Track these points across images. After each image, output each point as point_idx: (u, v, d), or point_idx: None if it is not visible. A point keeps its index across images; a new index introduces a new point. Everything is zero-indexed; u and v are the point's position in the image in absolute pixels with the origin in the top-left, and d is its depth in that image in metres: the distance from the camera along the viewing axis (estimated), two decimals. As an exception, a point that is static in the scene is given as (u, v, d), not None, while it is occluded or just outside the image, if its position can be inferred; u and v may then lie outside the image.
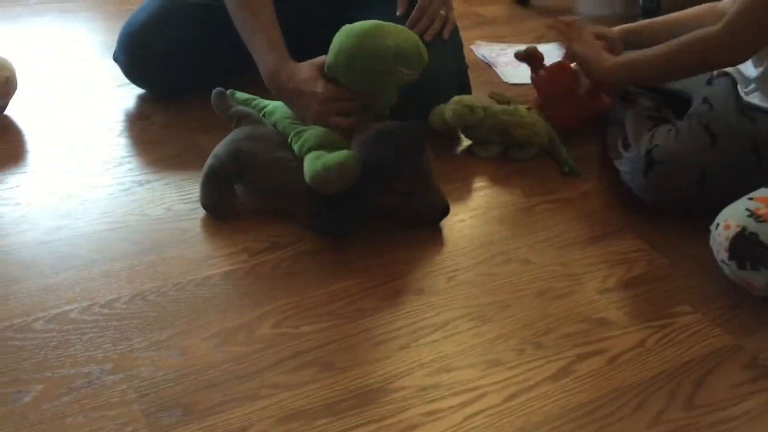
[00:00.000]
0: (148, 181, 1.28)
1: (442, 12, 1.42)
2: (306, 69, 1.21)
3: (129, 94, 1.53)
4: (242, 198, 1.25)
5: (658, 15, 1.98)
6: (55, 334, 0.96)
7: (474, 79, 1.56)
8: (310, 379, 0.92)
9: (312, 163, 1.11)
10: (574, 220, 1.27)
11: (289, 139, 1.20)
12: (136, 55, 1.46)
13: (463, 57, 1.49)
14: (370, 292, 1.07)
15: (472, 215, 1.27)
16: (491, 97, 1.53)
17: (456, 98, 1.39)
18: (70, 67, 1.65)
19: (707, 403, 0.93)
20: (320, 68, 1.20)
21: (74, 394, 0.87)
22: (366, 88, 1.19)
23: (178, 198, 1.24)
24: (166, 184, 1.27)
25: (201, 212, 1.21)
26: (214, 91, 1.26)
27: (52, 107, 1.48)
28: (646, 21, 1.53)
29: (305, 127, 1.19)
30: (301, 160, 1.15)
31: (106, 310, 1.00)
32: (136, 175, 1.29)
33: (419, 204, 1.20)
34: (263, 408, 0.88)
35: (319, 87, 1.18)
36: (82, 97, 1.52)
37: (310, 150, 1.15)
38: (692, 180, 1.20)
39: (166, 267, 1.09)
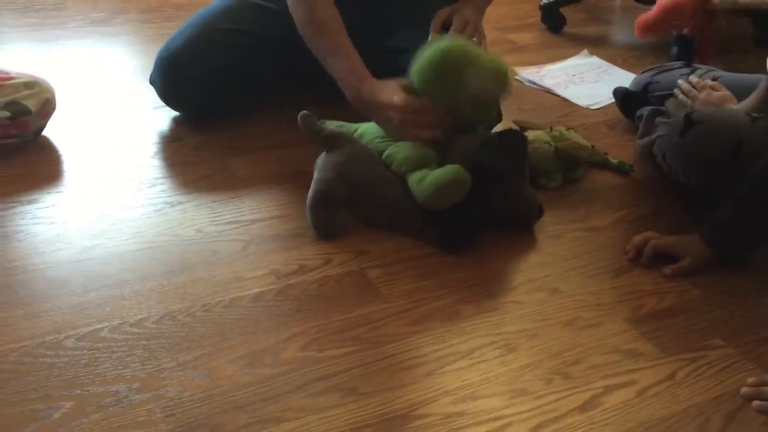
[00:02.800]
0: (179, 203, 1.30)
1: (474, 39, 1.43)
2: (386, 84, 1.28)
3: (163, 116, 1.56)
4: (271, 219, 1.26)
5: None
6: (85, 351, 0.97)
7: (521, 104, 1.58)
8: (334, 404, 0.92)
9: (420, 184, 1.19)
10: (604, 248, 1.26)
11: (384, 157, 1.26)
12: (171, 80, 1.49)
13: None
14: (396, 317, 1.07)
15: (500, 242, 1.26)
16: (517, 124, 1.53)
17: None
18: (107, 89, 1.68)
19: (739, 439, 0.91)
20: (399, 83, 1.27)
21: (102, 412, 0.88)
22: (442, 99, 1.24)
23: (209, 219, 1.25)
24: (197, 206, 1.29)
25: (231, 234, 1.22)
26: (301, 115, 1.23)
27: (89, 128, 1.51)
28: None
29: (397, 147, 1.25)
30: (402, 177, 1.22)
31: (135, 330, 1.01)
32: (168, 196, 1.31)
33: (522, 204, 1.26)
34: (288, 431, 0.88)
35: (398, 98, 1.24)
36: (118, 119, 1.56)
37: (409, 171, 1.22)
38: (728, 146, 1.19)
39: (196, 288, 1.10)
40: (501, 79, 1.25)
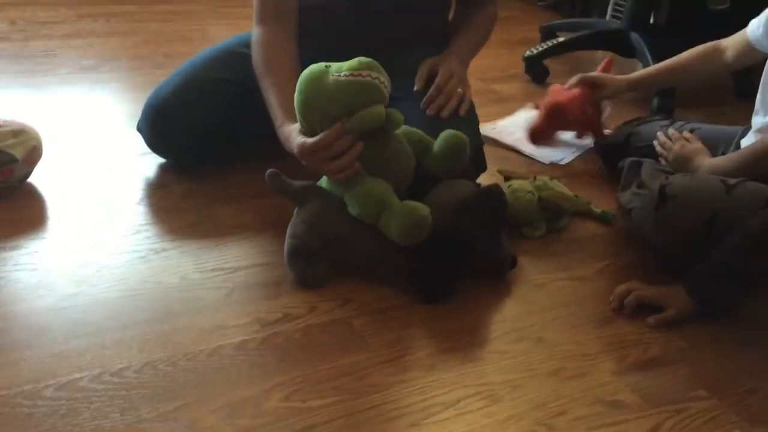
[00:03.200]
0: (164, 249, 1.29)
1: (459, 90, 1.45)
2: (287, 130, 1.27)
3: (150, 163, 1.57)
4: (255, 266, 1.26)
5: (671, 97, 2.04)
6: (64, 402, 0.95)
7: (504, 155, 1.59)
8: (317, 456, 0.91)
9: (395, 221, 1.17)
10: (588, 298, 1.27)
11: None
12: (158, 127, 1.50)
13: (478, 133, 1.51)
14: (380, 367, 1.06)
15: (484, 291, 1.26)
16: (501, 173, 1.55)
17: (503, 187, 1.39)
18: (94, 136, 1.69)
19: (725, 493, 0.90)
20: (296, 127, 1.26)
21: (79, 464, 0.87)
22: (319, 119, 1.20)
23: (193, 267, 1.25)
24: (182, 253, 1.29)
25: (215, 281, 1.22)
26: (268, 174, 1.25)
27: (75, 175, 1.51)
28: (653, 70, 1.60)
29: (348, 200, 1.22)
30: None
31: (116, 379, 1.00)
32: (153, 243, 1.31)
33: (496, 260, 1.26)
34: (269, 485, 0.86)
35: (297, 142, 1.23)
36: (105, 166, 1.56)
37: (371, 220, 1.20)
38: (702, 218, 1.20)
39: (179, 336, 1.09)
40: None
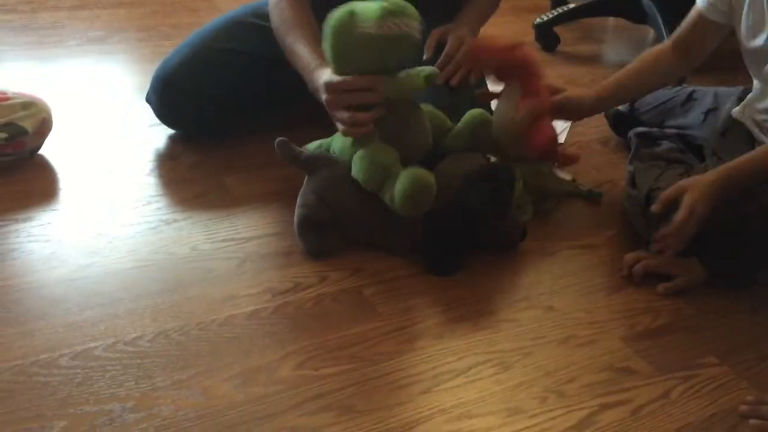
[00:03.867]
0: (175, 220, 1.30)
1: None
2: (320, 73, 1.24)
3: (160, 134, 1.57)
4: (266, 236, 1.26)
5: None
6: (79, 370, 0.97)
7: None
8: (330, 422, 0.92)
9: (398, 185, 1.13)
10: (598, 266, 1.27)
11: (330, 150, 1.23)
12: (167, 98, 1.49)
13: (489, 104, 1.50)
14: (391, 335, 1.07)
15: (494, 260, 1.26)
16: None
17: None
18: (104, 107, 1.69)
19: (734, 458, 0.91)
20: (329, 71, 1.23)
21: (96, 431, 0.88)
22: (352, 64, 1.17)
23: (204, 237, 1.26)
24: (193, 224, 1.29)
25: (226, 252, 1.22)
26: (277, 142, 1.23)
27: (85, 147, 1.51)
28: (613, 80, 1.43)
29: (359, 153, 1.19)
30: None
31: (130, 348, 1.01)
32: (164, 214, 1.31)
33: (506, 234, 1.26)
34: (282, 451, 0.88)
35: (325, 77, 1.20)
36: (114, 137, 1.56)
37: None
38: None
39: (191, 306, 1.10)
40: (390, 14, 1.13)
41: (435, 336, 1.08)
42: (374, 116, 1.18)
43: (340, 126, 1.21)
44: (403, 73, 1.19)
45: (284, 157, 1.25)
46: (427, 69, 1.20)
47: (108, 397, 0.93)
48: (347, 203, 1.21)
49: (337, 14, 1.16)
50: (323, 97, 1.21)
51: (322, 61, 1.25)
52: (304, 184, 1.25)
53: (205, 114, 1.50)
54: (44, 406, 0.91)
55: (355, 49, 1.15)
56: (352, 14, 1.14)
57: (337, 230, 1.23)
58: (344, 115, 1.19)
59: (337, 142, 1.25)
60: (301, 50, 1.31)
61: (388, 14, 1.13)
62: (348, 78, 1.18)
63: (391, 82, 1.17)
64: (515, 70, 1.32)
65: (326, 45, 1.19)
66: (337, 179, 1.22)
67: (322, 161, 1.25)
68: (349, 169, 1.20)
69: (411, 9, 1.16)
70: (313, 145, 1.31)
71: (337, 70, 1.20)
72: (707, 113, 1.45)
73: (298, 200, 1.24)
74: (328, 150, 1.28)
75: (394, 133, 1.20)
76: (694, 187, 1.18)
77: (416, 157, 1.23)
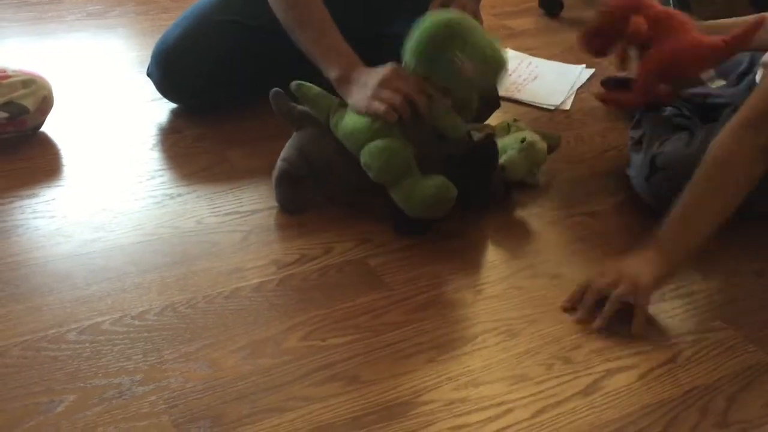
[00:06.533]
0: (179, 194, 1.30)
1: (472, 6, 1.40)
2: (379, 67, 1.22)
3: (162, 108, 1.56)
4: (271, 209, 1.26)
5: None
6: (87, 345, 0.97)
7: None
8: (337, 392, 0.92)
9: (407, 201, 1.15)
10: (604, 233, 1.26)
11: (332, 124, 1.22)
12: (168, 72, 1.48)
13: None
14: (397, 305, 1.07)
15: (500, 228, 1.26)
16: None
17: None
18: (105, 83, 1.68)
19: (740, 419, 0.92)
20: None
21: (105, 404, 0.89)
22: (427, 70, 1.16)
23: (209, 211, 1.25)
24: (198, 198, 1.29)
25: (231, 225, 1.22)
26: (272, 92, 1.23)
27: (87, 122, 1.51)
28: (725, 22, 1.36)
29: (375, 142, 1.17)
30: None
31: (137, 322, 1.01)
32: (168, 189, 1.31)
33: (485, 200, 1.27)
34: (291, 420, 0.88)
35: (389, 67, 1.19)
36: (117, 112, 1.55)
37: (357, 147, 1.17)
38: None
39: (197, 279, 1.10)
40: (493, 61, 1.15)
41: (441, 305, 1.08)
42: (423, 110, 1.16)
43: (376, 105, 1.17)
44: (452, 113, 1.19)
45: (277, 108, 1.25)
46: (477, 133, 1.23)
47: (116, 371, 0.94)
48: (329, 162, 1.21)
49: (439, 26, 1.14)
50: (378, 77, 1.18)
51: (358, 60, 1.25)
52: (290, 139, 1.25)
53: (207, 87, 1.49)
54: (53, 380, 0.92)
55: (439, 65, 1.15)
56: (451, 35, 1.13)
57: (315, 187, 1.24)
58: (393, 96, 1.16)
59: (350, 123, 1.20)
60: (328, 43, 1.28)
61: (490, 65, 1.14)
62: (417, 80, 1.17)
63: (443, 111, 1.18)
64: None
65: (416, 44, 1.16)
66: (321, 136, 1.22)
67: (312, 119, 1.24)
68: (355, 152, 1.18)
69: (505, 65, 1.17)
70: (312, 91, 1.25)
71: (409, 65, 1.18)
72: (740, 76, 1.40)
73: (281, 153, 1.24)
74: (328, 114, 1.23)
75: (416, 135, 1.18)
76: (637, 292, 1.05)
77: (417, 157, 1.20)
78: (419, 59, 1.16)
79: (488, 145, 1.22)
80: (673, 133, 1.30)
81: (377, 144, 1.16)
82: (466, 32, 1.14)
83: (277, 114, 1.25)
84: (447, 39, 1.13)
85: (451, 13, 1.17)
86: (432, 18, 1.16)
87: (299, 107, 1.26)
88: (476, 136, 1.24)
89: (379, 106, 1.16)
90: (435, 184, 1.14)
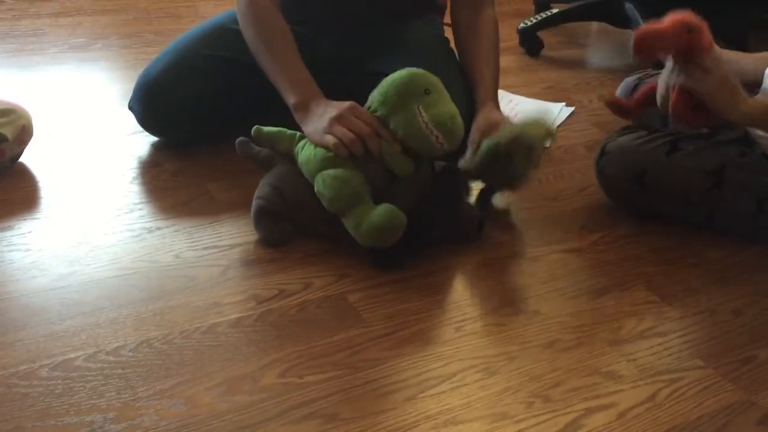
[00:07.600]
0: (158, 228, 1.29)
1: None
2: (341, 102, 1.25)
3: (142, 141, 1.55)
4: (250, 243, 1.25)
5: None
6: (59, 381, 0.95)
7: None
8: (314, 431, 0.91)
9: (369, 218, 1.15)
10: (583, 270, 1.27)
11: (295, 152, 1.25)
12: (150, 106, 1.48)
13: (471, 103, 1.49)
14: (376, 342, 1.07)
15: (478, 266, 1.26)
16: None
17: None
18: (85, 115, 1.67)
19: (719, 460, 0.91)
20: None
21: (76, 443, 0.87)
22: (388, 114, 1.19)
23: (187, 245, 1.24)
24: (176, 231, 1.28)
25: (210, 259, 1.21)
26: (237, 142, 1.29)
27: (66, 154, 1.50)
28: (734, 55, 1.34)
29: (328, 171, 1.19)
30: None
31: (111, 358, 1.00)
32: (146, 222, 1.30)
33: (458, 230, 1.27)
34: (266, 460, 0.87)
35: (347, 104, 1.22)
36: (96, 145, 1.55)
37: (313, 172, 1.20)
38: (633, 176, 1.31)
39: (173, 314, 1.09)
40: (449, 133, 1.18)
41: (420, 342, 1.07)
42: (374, 150, 1.19)
43: (328, 138, 1.20)
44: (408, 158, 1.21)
45: (244, 155, 1.30)
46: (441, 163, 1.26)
47: (89, 408, 0.92)
48: (302, 196, 1.23)
49: (424, 77, 1.19)
50: (334, 112, 1.21)
51: (309, 90, 1.29)
52: (262, 179, 1.28)
53: (189, 121, 1.49)
54: (24, 418, 0.89)
55: (401, 114, 1.18)
56: (427, 93, 1.18)
57: (291, 221, 1.26)
58: (346, 133, 1.19)
59: (307, 151, 1.24)
60: (290, 72, 1.32)
61: (447, 134, 1.17)
62: (374, 118, 1.21)
63: (393, 154, 1.20)
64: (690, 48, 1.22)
65: (385, 91, 1.20)
66: (292, 173, 1.25)
67: (279, 159, 1.28)
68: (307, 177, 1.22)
69: (458, 141, 1.21)
70: (272, 131, 1.28)
71: (373, 102, 1.22)
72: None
73: (255, 193, 1.26)
74: (292, 147, 1.27)
75: (363, 164, 1.20)
76: None
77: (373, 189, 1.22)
78: (383, 101, 1.20)
79: (450, 175, 1.24)
80: (650, 138, 1.34)
81: (329, 173, 1.18)
82: (438, 96, 1.19)
83: (245, 159, 1.30)
84: (418, 94, 1.18)
85: (434, 76, 1.21)
86: (414, 69, 1.21)
87: (264, 150, 1.29)
88: (439, 166, 1.26)
89: (331, 140, 1.19)
90: (383, 212, 1.15)
